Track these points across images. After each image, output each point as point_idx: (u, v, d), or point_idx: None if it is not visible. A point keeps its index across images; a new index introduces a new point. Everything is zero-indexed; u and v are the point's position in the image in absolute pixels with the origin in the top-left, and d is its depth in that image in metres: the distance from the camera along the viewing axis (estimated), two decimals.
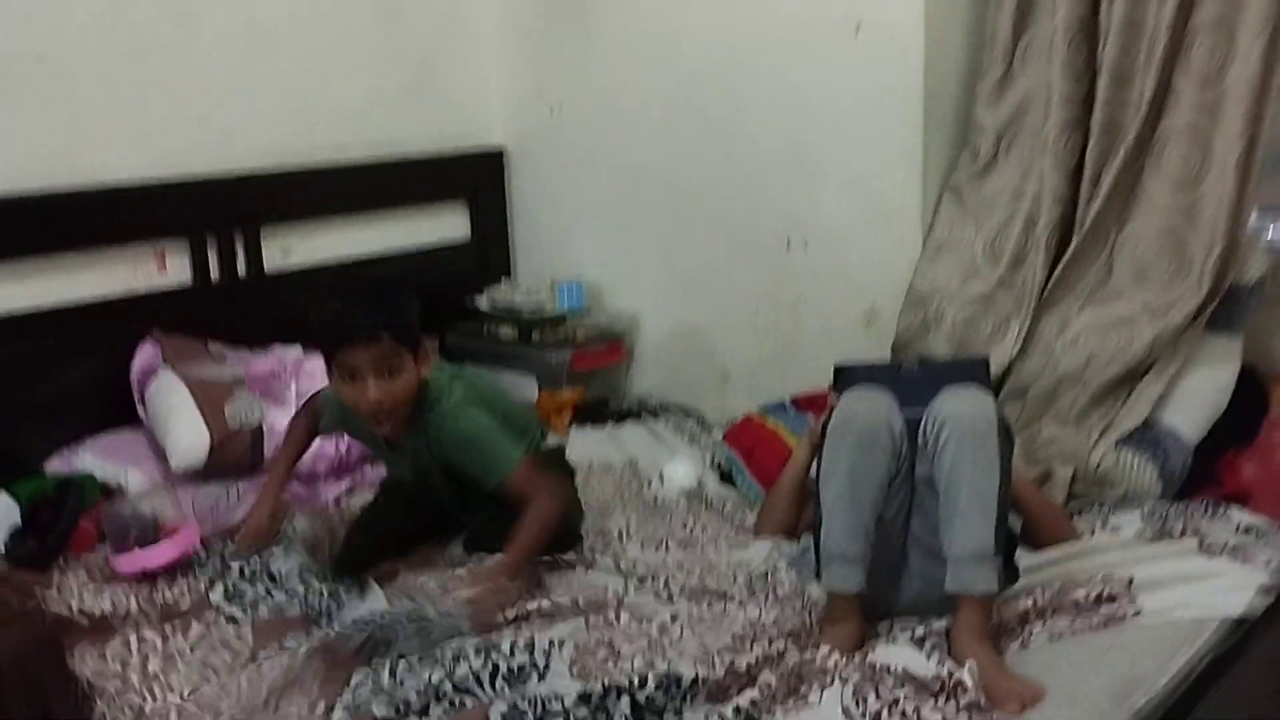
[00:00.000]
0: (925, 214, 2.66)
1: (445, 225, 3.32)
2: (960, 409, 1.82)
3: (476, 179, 3.36)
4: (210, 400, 2.48)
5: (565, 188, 3.31)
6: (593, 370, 3.12)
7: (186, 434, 2.42)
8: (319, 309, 2.06)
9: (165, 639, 1.90)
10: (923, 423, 1.85)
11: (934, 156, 2.64)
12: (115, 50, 2.58)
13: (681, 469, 2.55)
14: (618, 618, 1.87)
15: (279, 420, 2.50)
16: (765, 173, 2.88)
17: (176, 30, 2.66)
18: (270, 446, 2.47)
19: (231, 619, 1.96)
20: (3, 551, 2.17)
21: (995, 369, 2.48)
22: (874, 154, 2.68)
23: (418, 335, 2.09)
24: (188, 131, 2.73)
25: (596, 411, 3.02)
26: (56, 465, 2.48)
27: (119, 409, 2.59)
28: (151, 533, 2.14)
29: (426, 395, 2.12)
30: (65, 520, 2.20)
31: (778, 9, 2.76)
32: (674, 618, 1.86)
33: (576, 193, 3.29)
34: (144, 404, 2.55)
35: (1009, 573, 1.90)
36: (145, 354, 2.60)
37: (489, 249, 3.39)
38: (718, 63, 2.90)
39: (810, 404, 2.56)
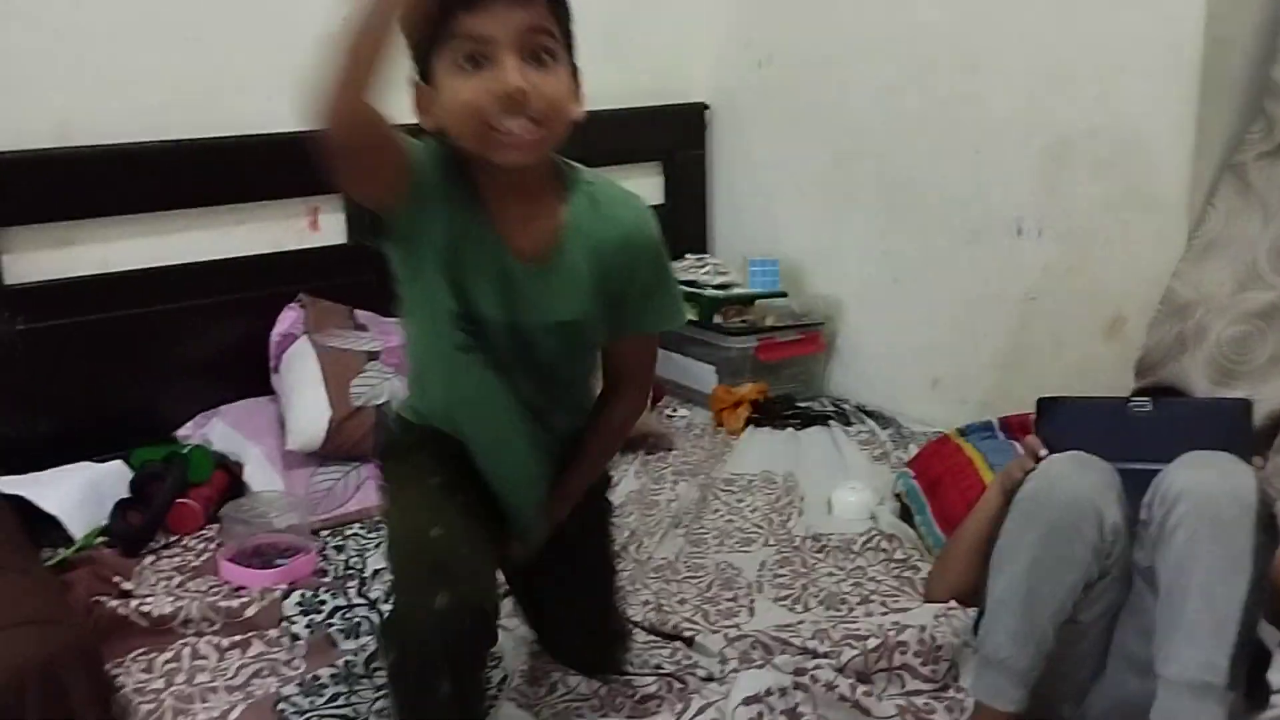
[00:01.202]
0: (1195, 201, 2.11)
1: (637, 188, 2.96)
2: (1202, 483, 1.34)
3: (674, 138, 3.02)
4: (339, 375, 2.27)
5: (770, 152, 2.92)
6: (781, 362, 2.73)
7: (308, 411, 2.22)
8: None
9: (221, 654, 1.70)
10: (1148, 496, 1.38)
11: (1212, 128, 2.07)
12: None
13: (854, 498, 2.14)
14: None
15: None
16: (998, 144, 2.39)
17: None
18: None
19: (295, 637, 1.73)
20: (105, 524, 2.05)
21: (1271, 407, 1.93)
22: (1133, 123, 2.14)
23: (573, 49, 1.39)
24: None
25: (780, 411, 2.63)
26: (189, 432, 2.35)
27: (262, 375, 2.43)
28: (269, 552, 1.98)
29: (564, 172, 1.42)
30: (160, 500, 2.04)
31: None
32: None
33: (782, 158, 2.89)
34: (278, 373, 2.37)
35: (1254, 699, 1.41)
36: (287, 319, 2.42)
37: (684, 217, 3.04)
38: (950, 12, 2.42)
39: (1024, 428, 2.08)
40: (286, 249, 2.51)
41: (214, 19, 2.34)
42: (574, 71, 1.39)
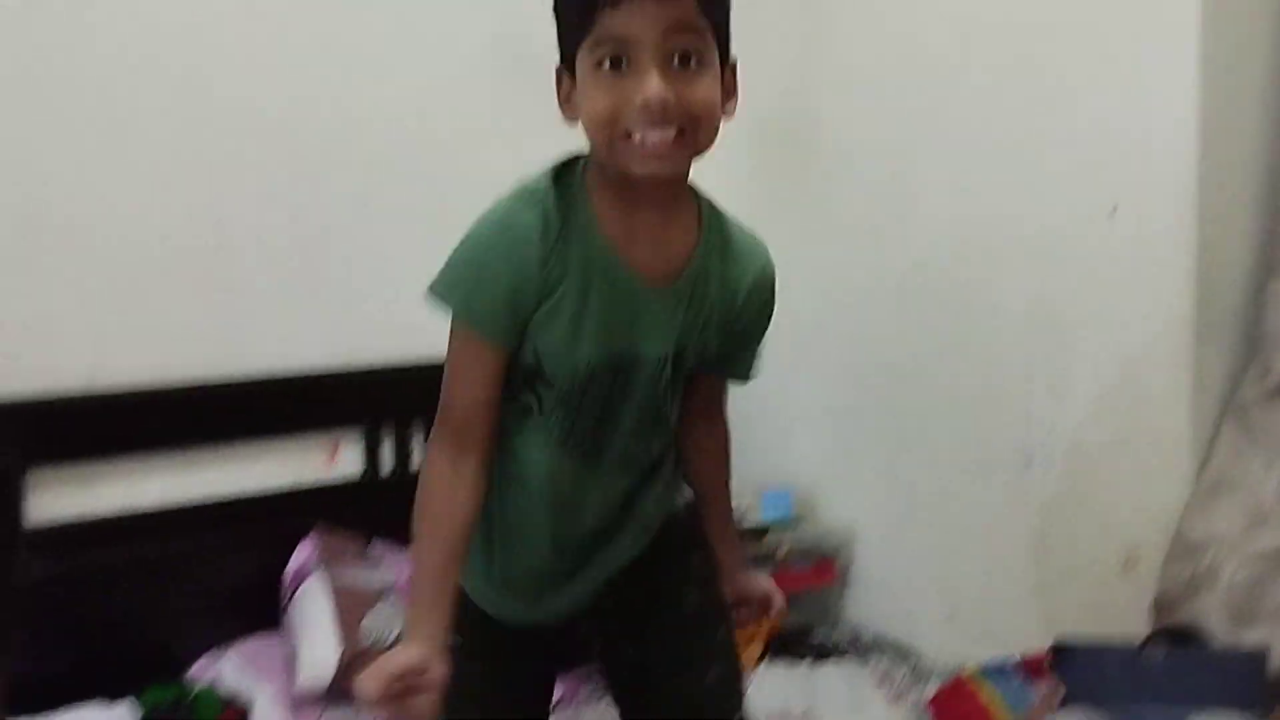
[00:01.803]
0: (1198, 439, 2.14)
1: None
2: None
3: None
4: (350, 612, 2.27)
5: (782, 380, 2.95)
6: (797, 593, 2.71)
7: (317, 649, 2.22)
8: None
9: None
10: None
11: (1210, 371, 2.12)
12: (293, 236, 2.51)
13: None
14: None
15: None
16: (1003, 376, 2.44)
17: (357, 215, 2.57)
18: None
19: None
20: None
21: None
22: (1133, 363, 2.19)
23: (728, 39, 1.28)
24: (368, 320, 2.61)
25: (796, 644, 2.60)
26: (201, 669, 2.33)
27: (276, 610, 2.43)
28: None
29: (700, 196, 1.37)
30: None
31: (1019, 190, 2.36)
32: None
33: (794, 387, 2.94)
34: (290, 610, 2.38)
35: None
36: (302, 553, 2.44)
37: None
38: (952, 251, 2.52)
39: (1041, 669, 2.06)
40: (305, 482, 2.55)
41: (238, 260, 2.45)
42: (730, 67, 1.28)
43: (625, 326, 1.31)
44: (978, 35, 2.42)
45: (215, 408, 2.42)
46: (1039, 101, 2.30)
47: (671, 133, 1.21)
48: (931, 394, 2.59)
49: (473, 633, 1.39)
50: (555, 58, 1.31)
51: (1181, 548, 2.09)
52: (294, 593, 2.38)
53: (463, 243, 1.30)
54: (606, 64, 1.21)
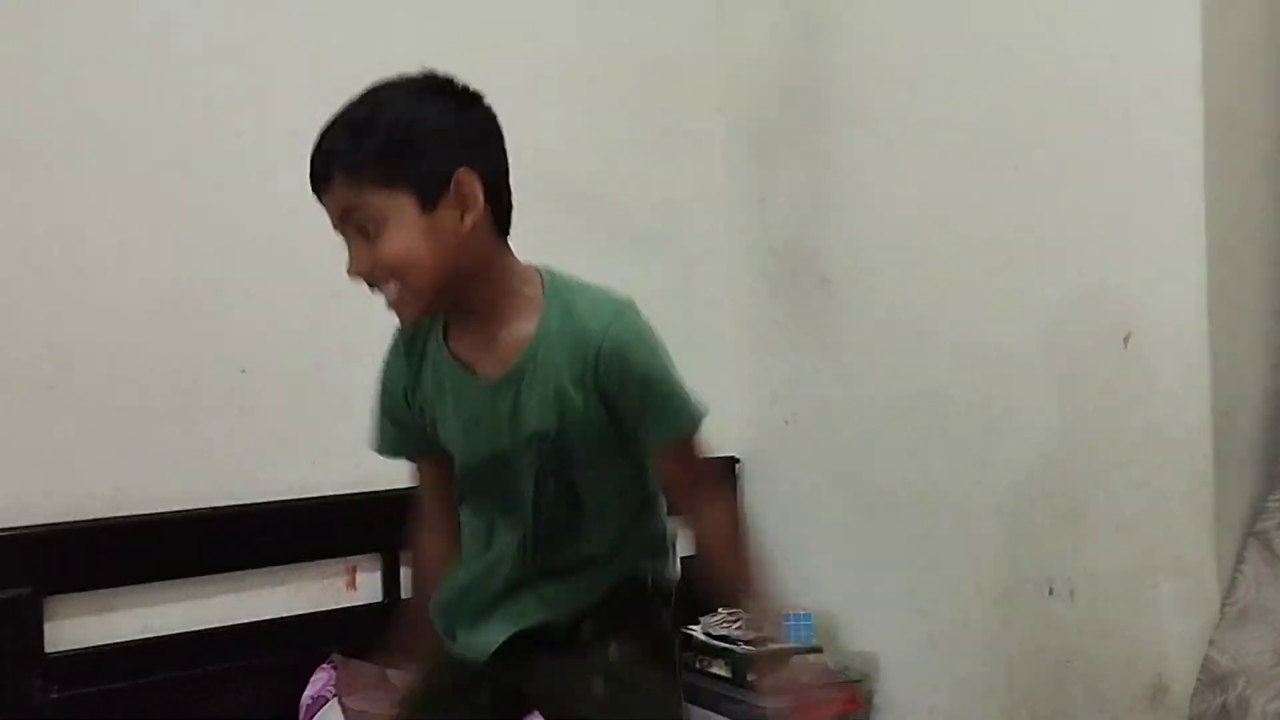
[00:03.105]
0: (1223, 566, 2.11)
1: None
2: None
3: None
4: None
5: (801, 505, 2.97)
6: None
7: None
8: None
9: None
10: None
11: (1231, 497, 2.11)
12: (317, 361, 2.54)
13: None
14: None
15: None
16: (1023, 506, 2.42)
17: (377, 342, 2.60)
18: None
19: None
20: None
21: None
22: (1151, 491, 2.18)
23: (423, 166, 1.34)
24: None
25: None
26: None
27: None
28: None
29: (517, 283, 1.46)
30: None
31: (1031, 319, 2.38)
32: None
33: (812, 512, 2.94)
34: None
35: None
36: (319, 681, 2.43)
37: None
38: (965, 380, 2.53)
39: None
40: (323, 609, 2.55)
41: (263, 387, 2.49)
42: (426, 187, 1.34)
43: (478, 423, 1.48)
44: (987, 171, 2.46)
45: (234, 533, 2.43)
46: (1049, 232, 2.34)
47: (391, 289, 1.39)
48: (951, 520, 2.57)
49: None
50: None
51: (1210, 678, 2.05)
52: None
53: None
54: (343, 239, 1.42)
